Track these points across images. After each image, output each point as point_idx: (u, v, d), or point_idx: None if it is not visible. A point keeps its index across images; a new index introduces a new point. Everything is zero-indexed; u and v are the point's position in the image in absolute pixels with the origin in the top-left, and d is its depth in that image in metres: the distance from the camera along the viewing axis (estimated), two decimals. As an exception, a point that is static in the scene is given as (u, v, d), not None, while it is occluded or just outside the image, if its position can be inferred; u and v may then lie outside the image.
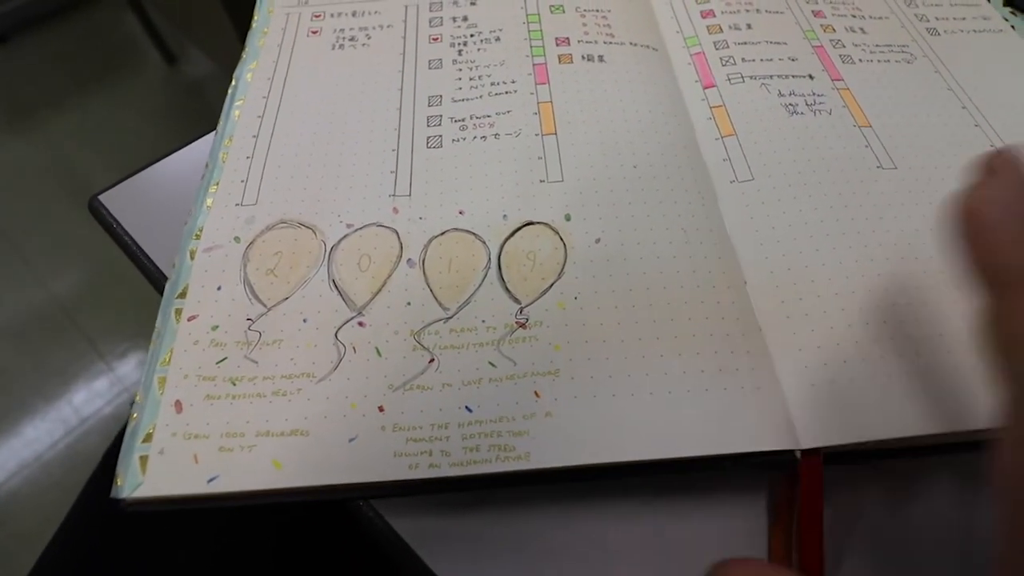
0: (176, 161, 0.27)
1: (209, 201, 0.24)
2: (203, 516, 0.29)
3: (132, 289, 0.94)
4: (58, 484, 0.78)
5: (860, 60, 0.29)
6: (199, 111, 1.14)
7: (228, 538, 0.29)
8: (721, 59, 0.29)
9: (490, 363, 0.20)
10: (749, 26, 0.30)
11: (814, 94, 0.27)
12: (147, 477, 0.18)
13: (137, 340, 0.90)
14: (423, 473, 0.18)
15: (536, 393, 0.19)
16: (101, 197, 0.26)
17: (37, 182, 1.06)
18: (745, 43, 0.29)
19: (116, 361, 0.88)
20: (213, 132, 0.29)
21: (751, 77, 0.28)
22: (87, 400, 0.85)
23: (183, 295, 0.21)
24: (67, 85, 1.17)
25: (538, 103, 0.26)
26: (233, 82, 0.28)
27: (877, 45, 0.30)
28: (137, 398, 0.19)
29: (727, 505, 0.20)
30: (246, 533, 0.29)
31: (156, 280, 0.24)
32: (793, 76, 0.28)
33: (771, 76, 0.28)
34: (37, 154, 1.09)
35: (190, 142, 0.29)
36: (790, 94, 0.27)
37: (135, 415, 0.19)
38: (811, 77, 0.28)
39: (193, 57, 1.19)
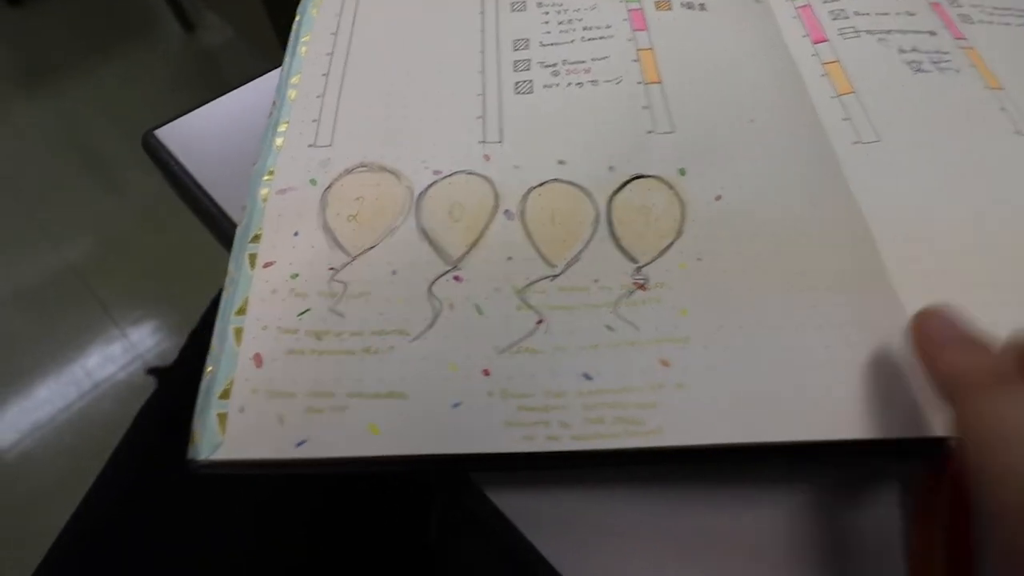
0: (233, 100, 0.25)
1: (279, 141, 0.21)
2: (239, 483, 0.27)
3: (146, 256, 0.92)
4: (71, 448, 0.77)
5: (979, 21, 0.27)
6: (217, 79, 1.11)
7: (266, 507, 0.26)
8: (831, 12, 0.26)
9: (607, 327, 0.18)
10: (859, -21, 0.28)
11: (938, 51, 0.25)
12: (227, 437, 0.16)
13: (151, 307, 0.88)
14: (541, 446, 0.16)
15: (663, 362, 0.17)
16: (157, 133, 0.23)
17: (52, 146, 1.03)
18: (856, -4, 0.27)
19: (130, 328, 0.86)
20: (269, 72, 0.26)
21: (867, 31, 0.26)
22: (100, 365, 0.83)
23: (256, 239, 0.19)
24: (83, 50, 1.14)
25: (637, 50, 0.24)
26: (297, 16, 0.25)
27: (995, 8, 0.28)
28: (211, 349, 0.17)
29: (841, 496, 0.18)
30: (286, 500, 0.27)
31: (216, 222, 0.22)
32: (914, 32, 0.26)
33: (889, 31, 0.26)
34: (52, 118, 1.06)
35: (235, 83, 0.26)
36: (912, 50, 0.25)
37: (210, 368, 0.17)
38: (932, 34, 0.26)
39: (211, 24, 1.16)
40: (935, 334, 0.16)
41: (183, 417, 0.16)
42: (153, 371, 0.75)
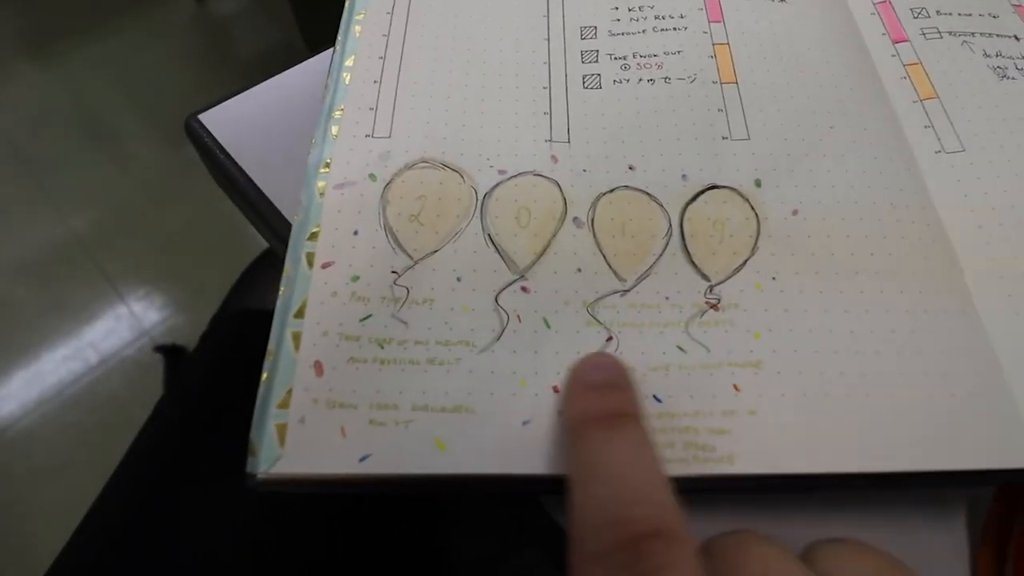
0: (280, 84, 0.24)
1: (335, 129, 0.20)
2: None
3: (154, 231, 0.90)
4: (77, 423, 0.77)
5: (1067, 25, 0.25)
6: (228, 51, 1.08)
7: (283, 509, 0.26)
8: (912, 10, 0.25)
9: (679, 347, 0.17)
10: (940, -26, 0.26)
11: None
12: (287, 450, 0.15)
13: (158, 284, 0.87)
14: (611, 470, 0.15)
15: (735, 387, 0.16)
16: (201, 117, 0.22)
17: (60, 116, 1.01)
18: (938, -7, 0.25)
19: (136, 304, 0.86)
20: (317, 55, 0.25)
21: (949, 33, 0.24)
22: (107, 341, 0.83)
23: (314, 237, 0.18)
24: (92, 17, 1.11)
25: (713, 44, 0.22)
26: (350, -7, 0.24)
27: (1085, 9, 0.26)
28: (269, 354, 0.17)
29: (904, 522, 0.18)
30: (303, 501, 0.27)
31: (263, 213, 0.21)
32: (998, 35, 0.24)
33: (972, 33, 0.24)
34: (60, 87, 1.04)
35: (254, 78, 0.24)
36: (997, 55, 0.24)
37: (266, 374, 0.16)
38: (1017, 39, 0.24)
39: (224, -7, 1.13)
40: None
41: (204, 415, 0.16)
42: (160, 348, 0.75)
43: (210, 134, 0.22)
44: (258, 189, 0.21)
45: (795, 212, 0.19)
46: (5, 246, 0.90)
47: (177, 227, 0.90)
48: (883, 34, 0.24)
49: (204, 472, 0.27)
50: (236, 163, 0.21)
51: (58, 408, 0.79)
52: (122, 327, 0.84)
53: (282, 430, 0.15)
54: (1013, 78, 0.23)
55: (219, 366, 0.34)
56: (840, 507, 0.18)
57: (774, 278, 0.18)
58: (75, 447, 0.77)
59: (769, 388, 0.16)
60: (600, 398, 0.15)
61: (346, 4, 0.23)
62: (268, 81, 0.23)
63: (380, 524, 0.27)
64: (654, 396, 0.16)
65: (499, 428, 0.16)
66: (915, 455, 0.16)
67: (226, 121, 0.23)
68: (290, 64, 0.24)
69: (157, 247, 0.90)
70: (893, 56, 0.24)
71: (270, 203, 0.21)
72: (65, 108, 1.02)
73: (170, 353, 0.73)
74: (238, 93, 0.23)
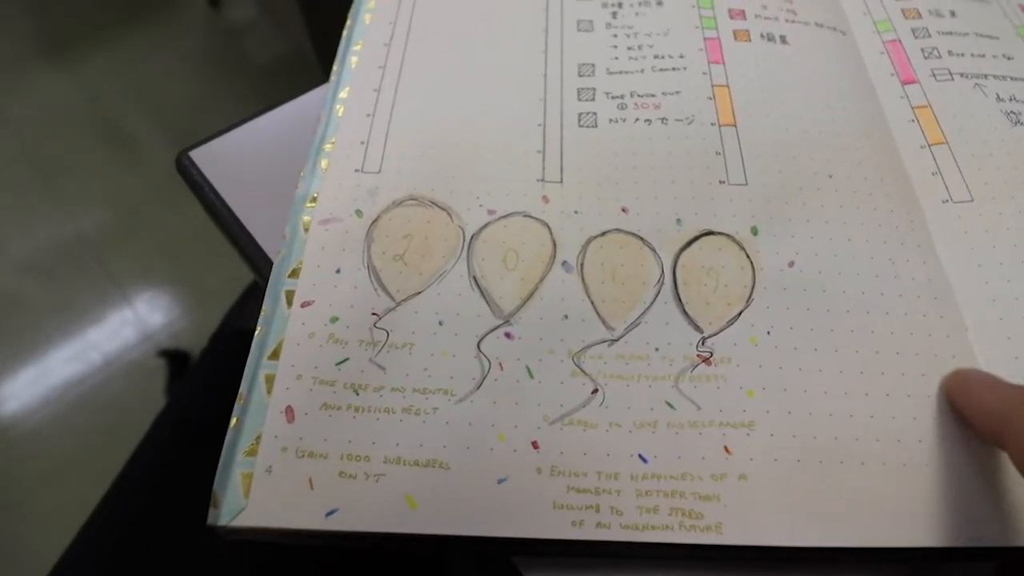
0: (277, 118, 0.23)
1: (324, 162, 0.20)
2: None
3: (162, 236, 0.91)
4: (81, 426, 0.77)
5: (1084, 69, 0.25)
6: (239, 58, 1.09)
7: None
8: (923, 50, 0.24)
9: (668, 403, 0.16)
10: (953, 13, 0.25)
11: (1038, 104, 0.23)
12: (251, 501, 0.15)
13: (163, 287, 0.88)
14: (589, 534, 0.15)
15: (726, 448, 0.16)
16: (192, 154, 0.22)
17: (72, 119, 1.02)
18: (950, 33, 0.25)
19: (143, 307, 0.86)
20: (311, 91, 0.25)
21: (961, 75, 0.23)
22: (112, 344, 0.83)
23: (295, 274, 0.18)
24: (107, 21, 1.13)
25: (712, 86, 0.22)
26: (349, 21, 0.24)
27: (1103, 54, 0.25)
28: (239, 398, 0.16)
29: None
30: None
31: (251, 255, 0.20)
32: (1012, 78, 0.23)
33: (985, 75, 0.23)
34: (73, 89, 1.05)
35: (288, 100, 0.24)
36: (1010, 99, 0.23)
37: (236, 419, 0.16)
38: (1031, 83, 0.23)
39: (237, 1, 1.14)
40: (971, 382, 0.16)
41: (200, 438, 0.15)
42: (165, 353, 0.75)
43: (200, 172, 0.22)
44: (245, 230, 0.21)
45: (791, 264, 0.18)
46: (14, 245, 0.91)
47: (184, 231, 0.91)
48: (892, 75, 0.24)
49: (197, 495, 0.26)
50: (225, 203, 0.21)
51: (62, 410, 0.79)
52: (127, 330, 0.85)
53: (248, 479, 0.15)
54: (1026, 124, 0.22)
55: (213, 388, 0.33)
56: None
57: (769, 332, 0.17)
58: (78, 449, 0.76)
59: (762, 451, 0.16)
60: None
61: (344, 34, 0.23)
62: (264, 115, 0.23)
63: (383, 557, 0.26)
64: (640, 455, 0.16)
65: (473, 486, 0.15)
66: (914, 530, 0.15)
67: (218, 157, 0.22)
68: (299, 72, 0.23)
69: (164, 250, 0.90)
70: (902, 98, 0.23)
71: (258, 246, 0.20)
72: (77, 110, 1.03)
73: (174, 358, 0.73)
74: (233, 127, 0.23)
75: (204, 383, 0.36)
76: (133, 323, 0.84)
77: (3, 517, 0.70)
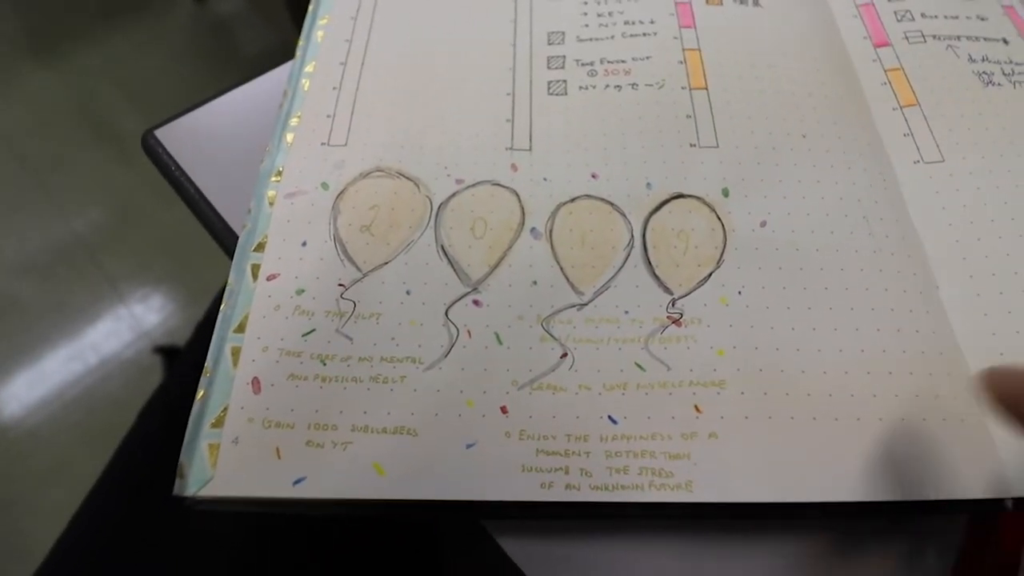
0: (241, 96, 0.23)
1: (290, 137, 0.20)
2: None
3: (154, 232, 0.91)
4: (78, 425, 0.77)
5: (1058, 28, 0.24)
6: (227, 52, 1.08)
7: (273, 517, 0.26)
8: (896, 13, 0.24)
9: (637, 365, 0.16)
10: (927, -23, 0.25)
11: (1012, 62, 0.23)
12: (218, 471, 0.15)
13: (159, 286, 0.87)
14: (558, 495, 0.15)
15: (696, 407, 0.16)
16: (157, 133, 0.21)
17: (62, 116, 1.02)
18: (924, -4, 0.25)
19: (137, 305, 0.86)
20: (280, 66, 0.24)
21: (934, 36, 0.23)
22: (108, 342, 0.83)
23: (260, 248, 0.18)
24: (91, 19, 1.12)
25: (683, 50, 0.22)
26: (315, -2, 0.23)
27: (1078, 12, 0.25)
28: (205, 371, 0.16)
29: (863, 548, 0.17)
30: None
31: (218, 232, 0.20)
32: (985, 39, 0.23)
33: (958, 37, 0.23)
34: (62, 88, 1.04)
35: (252, 78, 0.24)
36: (983, 59, 0.23)
37: (203, 392, 0.16)
38: (1005, 42, 0.23)
39: (221, -6, 1.13)
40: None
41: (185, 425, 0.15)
42: (160, 350, 0.74)
43: (165, 150, 0.21)
44: (212, 207, 0.20)
45: (763, 224, 0.18)
46: (7, 246, 0.90)
47: (177, 228, 0.90)
48: (864, 38, 0.24)
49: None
50: (191, 180, 0.21)
51: (59, 409, 0.79)
52: (122, 328, 0.84)
53: (214, 450, 0.15)
54: (999, 84, 0.22)
55: (197, 377, 0.33)
56: (813, 531, 0.17)
57: (740, 292, 0.17)
58: (75, 448, 0.76)
59: (732, 409, 0.16)
60: None
61: (310, 7, 0.23)
62: (230, 92, 0.23)
63: (377, 537, 0.26)
64: (609, 417, 0.16)
65: (441, 451, 0.15)
66: (890, 485, 0.15)
67: (184, 135, 0.22)
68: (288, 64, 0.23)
69: (158, 248, 0.90)
70: (874, 61, 0.23)
71: (225, 223, 0.20)
72: (67, 108, 1.02)
73: (169, 355, 0.73)
74: (199, 106, 0.22)
75: (191, 372, 0.36)
76: (128, 320, 0.84)
77: (3, 515, 0.70)
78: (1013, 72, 0.22)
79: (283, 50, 0.22)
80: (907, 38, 0.23)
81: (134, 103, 1.02)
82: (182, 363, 0.41)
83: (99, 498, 0.30)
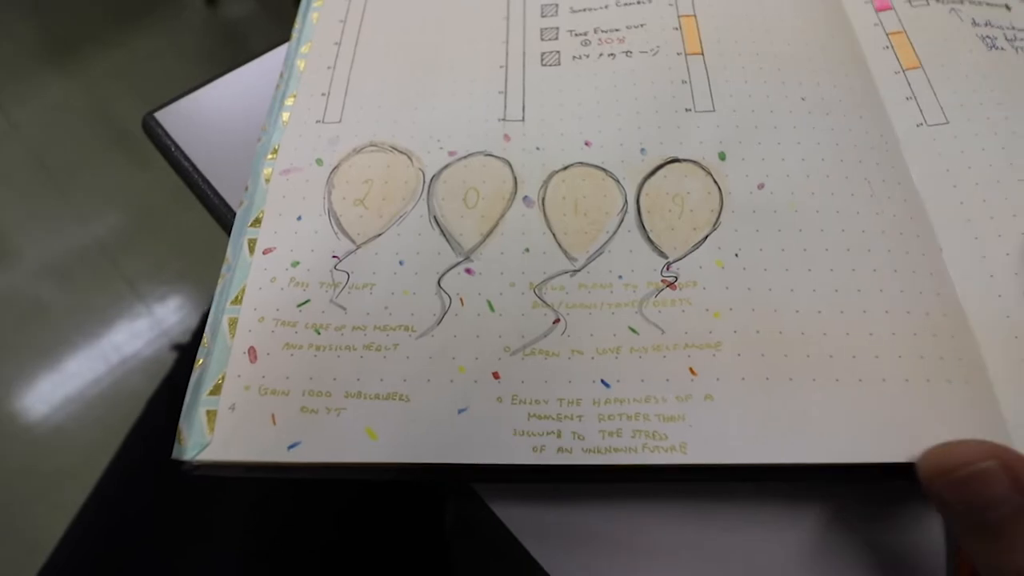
0: (240, 78, 0.23)
1: (285, 116, 0.20)
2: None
3: (171, 233, 0.92)
4: (100, 421, 0.79)
5: (1068, -12, 0.24)
6: (239, 54, 1.10)
7: (285, 502, 0.26)
8: (898, -24, 0.23)
9: (631, 329, 0.16)
10: (931, -61, 0.25)
11: (1013, 27, 0.22)
12: (215, 437, 0.15)
13: (176, 285, 0.89)
14: (550, 458, 0.14)
15: (691, 370, 0.15)
16: (157, 115, 0.22)
17: (77, 120, 1.04)
18: (928, -41, 0.24)
19: (155, 304, 0.88)
20: (280, 46, 0.25)
21: (937, 0, 0.23)
22: (127, 340, 0.85)
23: (257, 223, 0.18)
24: (105, 23, 1.14)
25: (679, 16, 0.21)
26: (310, -19, 0.23)
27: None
28: (203, 342, 0.16)
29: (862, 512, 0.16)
30: (298, 486, 0.27)
31: (217, 210, 0.20)
32: (988, 4, 0.23)
33: (961, 1, 0.23)
34: (78, 93, 1.07)
35: (256, 56, 0.24)
36: (985, 24, 0.22)
37: (201, 360, 0.16)
38: (1008, 8, 0.23)
39: (233, -2, 1.15)
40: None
41: None
42: (179, 348, 0.76)
43: (166, 132, 0.22)
44: (212, 188, 0.21)
45: (761, 186, 0.18)
46: (28, 250, 0.92)
47: (193, 228, 0.92)
48: (866, 1, 0.23)
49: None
50: (192, 162, 0.21)
51: (82, 407, 0.80)
52: (142, 327, 0.86)
53: (212, 417, 0.15)
54: (1002, 48, 0.21)
55: None
56: (810, 496, 0.17)
57: (737, 255, 0.17)
58: (98, 445, 0.78)
59: (728, 371, 0.15)
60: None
61: (305, -10, 0.23)
62: (229, 75, 0.23)
63: (382, 512, 0.26)
64: (602, 381, 0.15)
65: (434, 416, 0.15)
66: (894, 445, 0.15)
67: (184, 118, 0.22)
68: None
69: (174, 248, 0.92)
70: (876, 25, 0.22)
71: (226, 203, 0.20)
72: (83, 113, 1.05)
73: (181, 352, 0.75)
74: (198, 88, 0.23)
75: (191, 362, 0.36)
76: (147, 320, 0.86)
77: (31, 511, 0.72)
78: (1015, 38, 0.22)
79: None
80: (910, 2, 0.23)
81: (148, 106, 1.04)
82: (188, 355, 0.41)
83: (105, 490, 0.30)
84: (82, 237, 0.92)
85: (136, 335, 0.85)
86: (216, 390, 0.15)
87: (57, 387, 0.81)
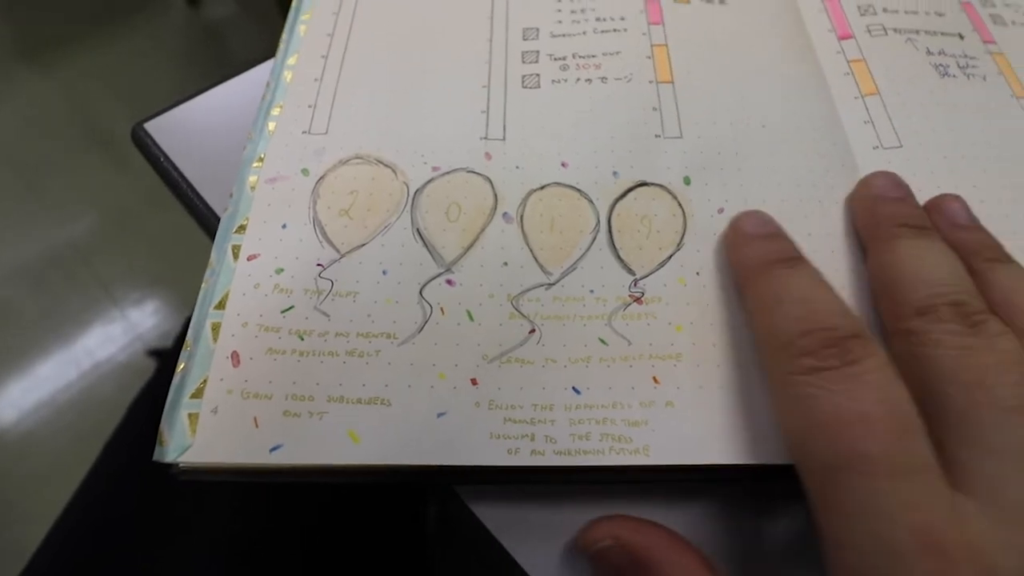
0: (229, 90, 0.24)
1: (271, 125, 0.20)
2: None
3: (147, 236, 0.91)
4: (71, 427, 0.77)
5: (1013, 23, 0.25)
6: (220, 56, 1.09)
7: (266, 505, 0.26)
8: (859, 7, 0.25)
9: (600, 340, 0.17)
10: (889, -25, 0.26)
11: (966, 56, 0.24)
12: (197, 439, 0.15)
13: (152, 289, 0.88)
14: (524, 460, 0.15)
15: (655, 379, 0.16)
16: (147, 125, 0.22)
17: (54, 121, 1.02)
18: (885, -8, 0.26)
19: (130, 308, 0.86)
20: (266, 62, 0.25)
21: (895, 30, 0.24)
22: (101, 346, 0.83)
23: (241, 230, 0.18)
24: (85, 23, 1.12)
25: (651, 45, 0.23)
26: (299, -5, 0.24)
27: (1033, 9, 0.26)
28: (186, 345, 0.17)
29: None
30: (279, 489, 0.27)
31: (206, 220, 0.21)
32: (942, 33, 0.24)
33: (917, 31, 0.24)
34: (54, 92, 1.05)
35: (245, 70, 0.25)
36: (939, 53, 0.24)
37: (183, 364, 0.16)
38: (961, 36, 0.24)
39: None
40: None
41: None
42: (154, 353, 0.75)
43: (155, 143, 0.22)
44: (201, 198, 0.21)
45: (721, 210, 0.19)
46: (0, 253, 0.90)
47: (170, 232, 0.91)
48: (829, 31, 0.24)
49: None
50: (180, 172, 0.21)
51: (53, 413, 0.79)
52: (116, 332, 0.85)
53: (194, 419, 0.15)
54: (954, 75, 0.23)
55: None
56: (772, 495, 0.18)
57: (698, 273, 0.18)
58: (70, 451, 0.77)
59: (687, 380, 0.16)
60: (775, 243, 0.17)
61: (293, 3, 0.24)
62: (218, 87, 0.24)
63: (363, 512, 0.27)
64: (573, 388, 0.16)
65: (414, 420, 0.16)
66: None
67: (173, 128, 0.23)
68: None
69: (151, 252, 0.90)
70: (838, 52, 0.24)
71: (214, 213, 0.21)
72: (60, 113, 1.03)
73: (162, 358, 0.74)
74: (188, 99, 0.23)
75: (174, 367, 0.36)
76: (121, 324, 0.85)
77: (1, 517, 0.70)
78: (967, 65, 0.23)
79: (275, 53, 0.23)
80: (869, 31, 0.24)
81: (127, 107, 1.02)
82: (170, 359, 0.41)
83: (87, 494, 0.30)
84: (55, 239, 0.91)
85: (110, 340, 0.83)
86: (198, 393, 0.16)
87: (28, 392, 0.79)
